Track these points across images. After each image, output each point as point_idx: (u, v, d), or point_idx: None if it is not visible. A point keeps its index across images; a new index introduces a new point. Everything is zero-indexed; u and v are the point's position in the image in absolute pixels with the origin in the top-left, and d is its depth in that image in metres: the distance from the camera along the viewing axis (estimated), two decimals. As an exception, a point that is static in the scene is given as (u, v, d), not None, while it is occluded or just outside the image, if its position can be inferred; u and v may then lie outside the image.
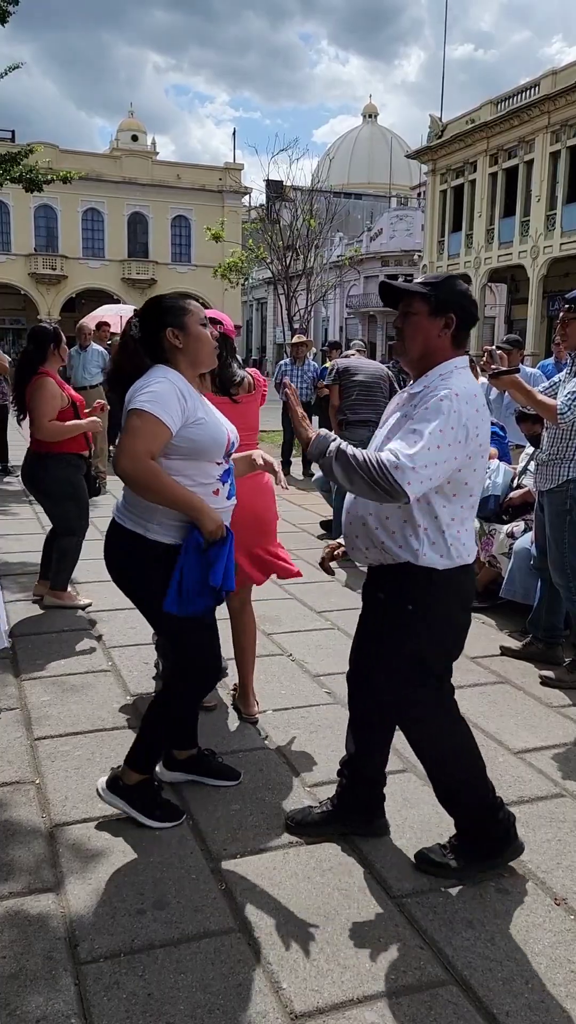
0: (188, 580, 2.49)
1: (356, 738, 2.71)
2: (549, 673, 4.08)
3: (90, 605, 4.95)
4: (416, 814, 2.84)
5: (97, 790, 2.80)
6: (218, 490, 2.63)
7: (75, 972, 2.09)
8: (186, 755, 3.00)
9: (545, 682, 4.03)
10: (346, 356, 7.66)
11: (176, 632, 2.65)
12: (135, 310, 2.69)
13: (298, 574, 3.54)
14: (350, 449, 2.25)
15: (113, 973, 2.09)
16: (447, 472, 2.24)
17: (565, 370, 3.97)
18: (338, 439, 2.30)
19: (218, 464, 2.63)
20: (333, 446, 2.27)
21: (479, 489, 2.41)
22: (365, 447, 7.38)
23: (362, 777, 2.71)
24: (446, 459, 2.21)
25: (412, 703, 2.49)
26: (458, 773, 2.54)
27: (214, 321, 3.22)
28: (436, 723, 2.52)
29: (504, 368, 3.56)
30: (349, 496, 2.47)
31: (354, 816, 2.70)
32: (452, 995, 2.05)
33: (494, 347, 3.86)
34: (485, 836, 2.53)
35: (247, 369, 3.52)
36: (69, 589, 5.10)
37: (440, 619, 2.40)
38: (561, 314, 3.89)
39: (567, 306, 3.79)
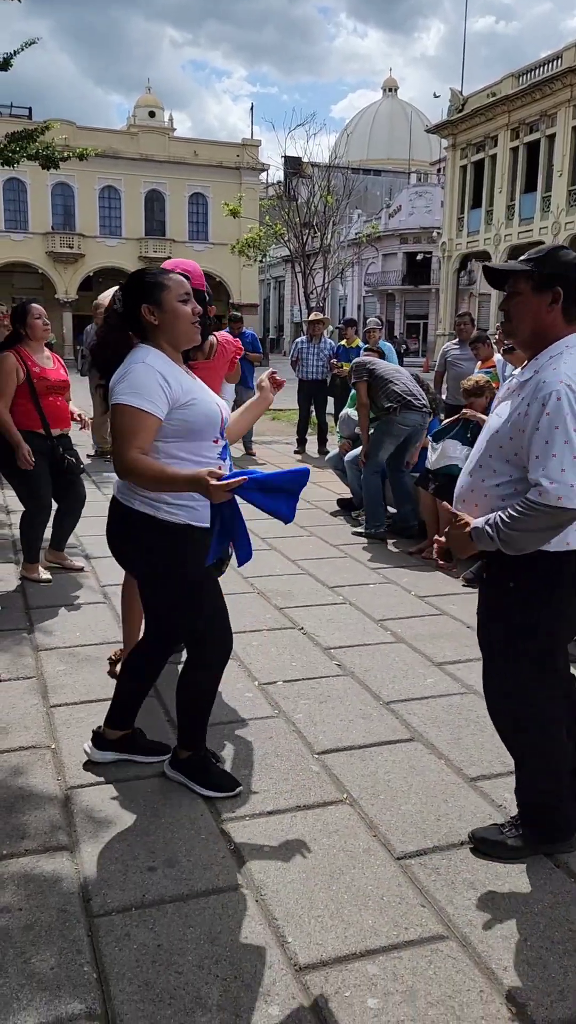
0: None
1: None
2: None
3: (49, 582, 5.04)
4: (421, 781, 2.89)
5: (163, 769, 2.90)
6: (220, 467, 2.64)
7: (88, 924, 2.17)
8: (119, 735, 2.96)
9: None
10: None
11: (191, 606, 2.68)
12: (120, 284, 2.65)
13: None
14: (498, 518, 2.21)
15: (124, 925, 2.17)
16: None
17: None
18: (485, 521, 2.26)
19: (215, 443, 2.64)
20: (490, 530, 2.23)
21: None
22: (416, 432, 7.21)
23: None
24: None
25: (520, 676, 2.42)
26: (541, 752, 2.48)
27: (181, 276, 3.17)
28: (536, 697, 2.44)
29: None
30: (463, 489, 2.42)
31: None
32: (452, 950, 2.12)
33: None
34: (548, 819, 2.51)
35: (218, 333, 3.39)
36: (70, 558, 5.36)
37: (546, 600, 2.32)
38: None
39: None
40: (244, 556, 2.46)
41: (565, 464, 2.12)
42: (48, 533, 5.26)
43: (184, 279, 2.61)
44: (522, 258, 2.35)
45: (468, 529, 2.31)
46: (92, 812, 2.68)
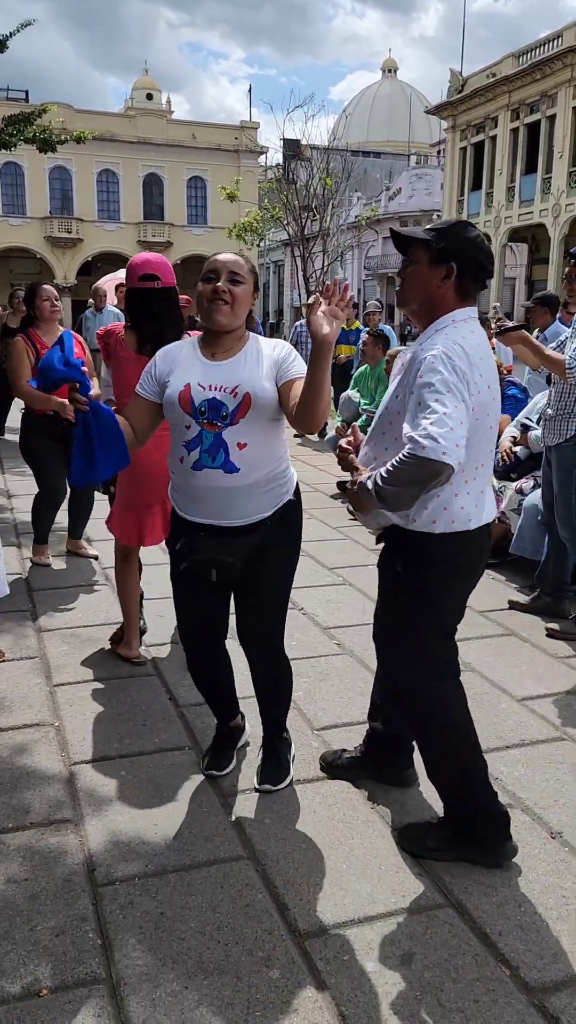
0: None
1: (382, 692, 2.75)
2: (555, 625, 4.16)
3: (48, 566, 5.09)
4: (417, 756, 2.92)
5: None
6: (183, 458, 2.45)
7: (92, 893, 2.23)
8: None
9: (551, 634, 4.11)
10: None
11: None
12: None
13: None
14: (378, 474, 2.17)
15: (128, 894, 2.22)
16: (468, 420, 2.11)
17: (573, 326, 3.99)
18: (368, 476, 2.23)
19: (187, 428, 2.43)
20: (370, 484, 2.19)
21: (484, 452, 2.29)
22: None
23: (386, 730, 2.74)
24: (461, 410, 2.08)
25: (408, 665, 2.43)
26: (451, 752, 2.45)
27: (151, 277, 3.08)
28: (431, 688, 2.41)
29: (511, 325, 3.60)
30: (362, 458, 2.46)
31: (381, 765, 2.76)
32: (448, 916, 2.17)
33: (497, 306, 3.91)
34: (472, 823, 2.39)
35: (193, 333, 3.26)
36: (85, 544, 5.36)
37: (434, 585, 2.33)
38: (567, 269, 3.90)
39: (572, 261, 3.80)
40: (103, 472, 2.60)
41: (431, 416, 2.06)
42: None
43: (238, 258, 2.53)
44: (426, 227, 2.32)
45: (359, 481, 2.28)
46: (95, 788, 2.73)
